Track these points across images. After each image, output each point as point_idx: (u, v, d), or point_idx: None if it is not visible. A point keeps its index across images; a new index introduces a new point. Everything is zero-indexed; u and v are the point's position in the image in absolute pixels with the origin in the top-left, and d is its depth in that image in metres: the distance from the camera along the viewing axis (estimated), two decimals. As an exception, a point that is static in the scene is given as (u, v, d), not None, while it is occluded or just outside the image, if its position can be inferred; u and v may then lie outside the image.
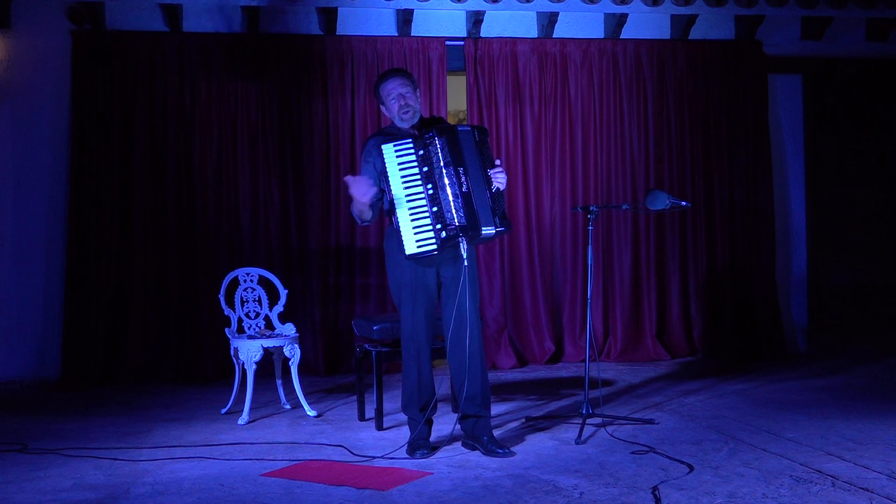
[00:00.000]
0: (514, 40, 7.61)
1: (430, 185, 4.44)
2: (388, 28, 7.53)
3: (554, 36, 7.66)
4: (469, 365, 4.54)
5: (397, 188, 4.47)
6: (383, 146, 4.50)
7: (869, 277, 8.31)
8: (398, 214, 4.47)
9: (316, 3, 7.17)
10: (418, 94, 4.68)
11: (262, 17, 7.31)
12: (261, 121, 7.28)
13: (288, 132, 7.31)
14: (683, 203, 5.23)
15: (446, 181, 4.42)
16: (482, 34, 7.59)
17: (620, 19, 7.62)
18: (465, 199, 4.41)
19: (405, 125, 4.63)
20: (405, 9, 7.30)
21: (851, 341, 8.09)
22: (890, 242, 8.36)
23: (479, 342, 4.61)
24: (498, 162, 4.56)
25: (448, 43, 7.53)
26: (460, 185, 4.42)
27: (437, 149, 4.45)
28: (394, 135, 4.61)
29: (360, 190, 4.45)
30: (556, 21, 7.60)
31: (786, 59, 8.00)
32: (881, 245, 8.35)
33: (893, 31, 8.05)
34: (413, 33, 7.50)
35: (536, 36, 7.71)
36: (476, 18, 7.48)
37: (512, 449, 4.56)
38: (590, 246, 5.20)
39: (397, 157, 4.48)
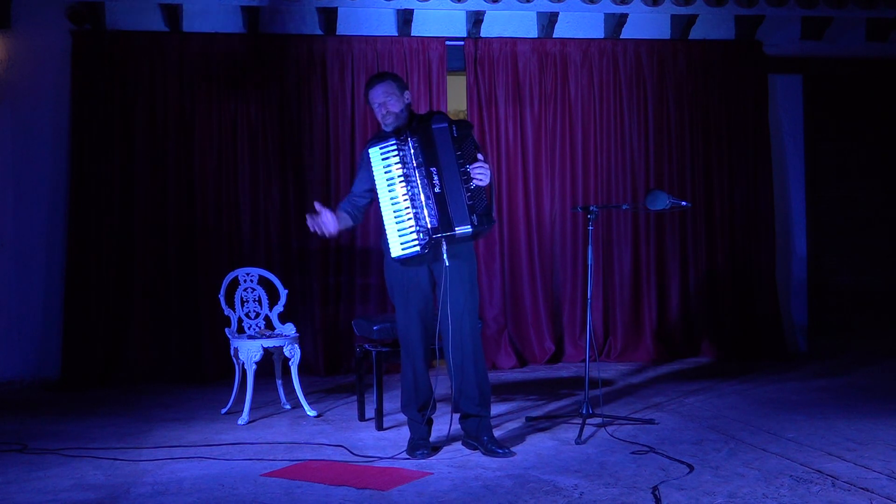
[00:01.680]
0: (514, 40, 7.60)
1: (409, 187, 4.44)
2: (388, 28, 7.53)
3: (554, 36, 7.66)
4: (465, 365, 4.53)
5: (382, 191, 4.48)
6: (370, 150, 4.53)
7: (869, 277, 8.31)
8: (384, 217, 4.48)
9: (316, 3, 7.17)
10: (406, 95, 4.61)
11: (262, 17, 7.31)
12: (261, 121, 7.28)
13: (288, 132, 7.31)
14: (683, 203, 5.22)
15: (419, 182, 4.42)
16: (482, 34, 7.59)
17: (620, 19, 7.62)
18: (438, 200, 4.39)
19: (389, 129, 4.61)
20: (405, 9, 7.30)
21: (852, 341, 8.09)
22: (890, 242, 8.36)
23: (476, 342, 4.59)
24: (480, 157, 4.49)
25: (448, 43, 7.53)
26: (432, 186, 4.40)
27: (409, 149, 4.44)
28: (385, 137, 4.60)
29: (326, 228, 4.64)
30: (556, 21, 7.60)
31: (786, 59, 8.00)
32: (881, 245, 8.35)
33: (893, 31, 8.05)
34: (413, 33, 7.50)
35: (536, 36, 7.70)
36: (476, 18, 7.48)
37: (512, 449, 4.56)
38: (590, 246, 5.20)
39: (382, 159, 4.49)
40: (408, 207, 4.43)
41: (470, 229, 4.39)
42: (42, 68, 7.11)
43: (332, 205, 7.17)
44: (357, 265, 7.34)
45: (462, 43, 7.57)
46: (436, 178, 4.40)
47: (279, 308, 5.89)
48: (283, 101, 7.31)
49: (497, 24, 7.64)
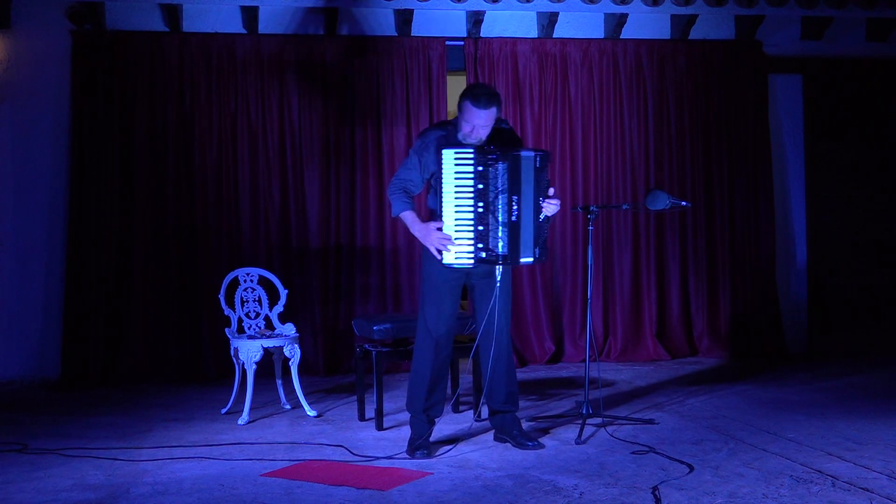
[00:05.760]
0: (514, 40, 7.60)
1: (481, 204, 4.41)
2: (388, 28, 7.52)
3: (554, 36, 7.65)
4: (498, 367, 4.70)
5: (448, 196, 4.44)
6: (444, 150, 4.45)
7: (869, 277, 8.31)
8: (444, 220, 4.47)
9: (316, 3, 7.17)
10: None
11: (262, 17, 7.30)
12: (261, 120, 7.27)
13: (288, 132, 7.30)
14: (683, 203, 5.23)
15: (499, 207, 4.40)
16: (482, 34, 7.58)
17: (620, 19, 7.62)
18: (512, 229, 4.41)
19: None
20: (405, 9, 7.29)
21: (851, 341, 8.09)
22: (890, 242, 8.36)
23: (509, 348, 4.77)
24: (552, 191, 4.56)
25: (448, 43, 7.52)
26: (510, 214, 4.41)
27: (496, 172, 4.39)
28: (455, 137, 4.53)
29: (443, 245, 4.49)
30: (556, 21, 7.60)
31: (786, 59, 8.00)
32: (881, 245, 8.35)
33: (893, 31, 8.05)
34: (413, 33, 7.50)
35: (536, 36, 7.70)
36: (476, 18, 7.48)
37: (540, 441, 4.72)
38: (590, 246, 5.21)
39: (456, 164, 4.42)
40: (471, 221, 4.42)
41: (532, 260, 4.51)
42: (42, 68, 7.11)
43: (331, 205, 7.27)
44: (357, 265, 7.34)
45: (462, 43, 7.57)
46: (515, 206, 4.41)
47: (279, 308, 5.89)
48: (283, 101, 7.30)
49: (497, 24, 7.63)
